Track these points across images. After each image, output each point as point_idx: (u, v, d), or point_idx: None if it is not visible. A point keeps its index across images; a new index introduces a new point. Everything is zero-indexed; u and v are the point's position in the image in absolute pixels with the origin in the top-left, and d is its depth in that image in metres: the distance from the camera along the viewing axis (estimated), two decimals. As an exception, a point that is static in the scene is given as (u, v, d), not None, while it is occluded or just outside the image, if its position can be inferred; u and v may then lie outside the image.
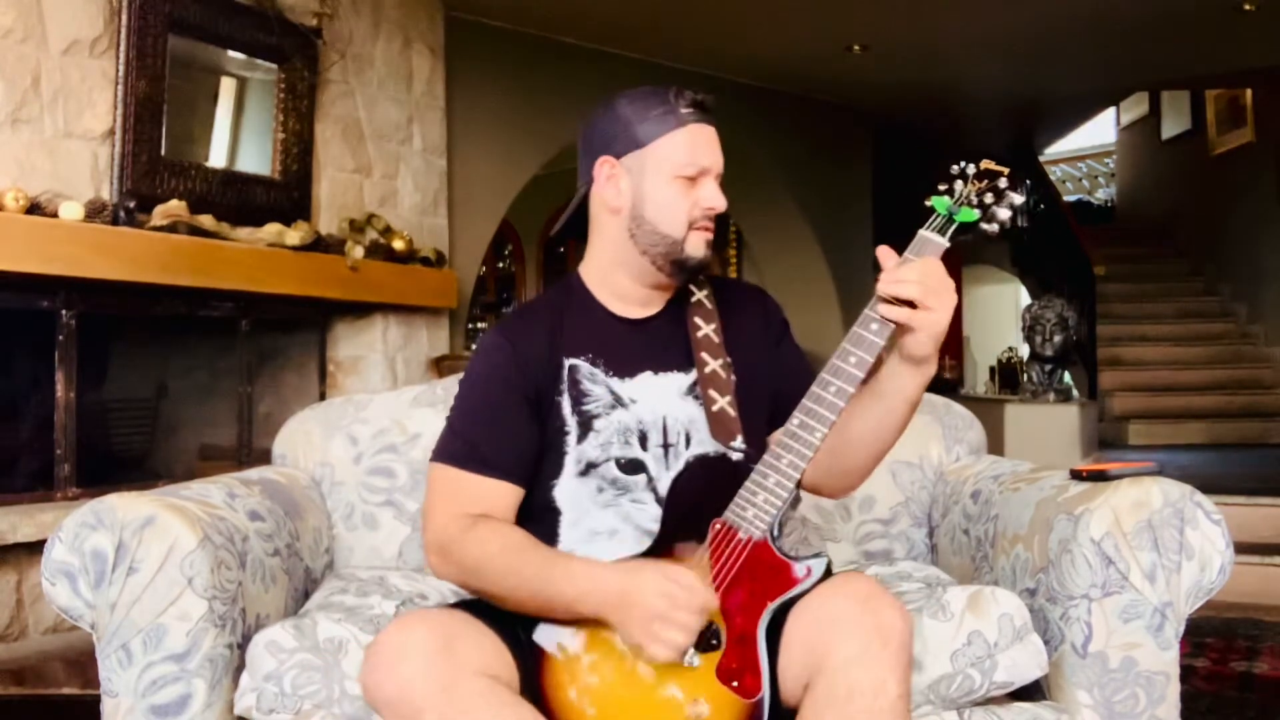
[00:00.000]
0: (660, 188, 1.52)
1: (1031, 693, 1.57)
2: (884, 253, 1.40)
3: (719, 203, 1.53)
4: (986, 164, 1.40)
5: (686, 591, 1.32)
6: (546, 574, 1.40)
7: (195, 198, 3.45)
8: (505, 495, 1.52)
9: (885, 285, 1.35)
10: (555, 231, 1.66)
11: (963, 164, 1.41)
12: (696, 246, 1.53)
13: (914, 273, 1.34)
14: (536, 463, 1.55)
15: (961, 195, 1.39)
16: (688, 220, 1.52)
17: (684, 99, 1.53)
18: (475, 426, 1.54)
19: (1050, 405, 5.54)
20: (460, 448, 1.53)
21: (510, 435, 1.53)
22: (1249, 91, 7.86)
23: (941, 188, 1.40)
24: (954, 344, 9.01)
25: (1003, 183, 1.39)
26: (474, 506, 1.50)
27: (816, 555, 1.40)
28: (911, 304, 1.35)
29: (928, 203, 1.39)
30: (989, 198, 1.39)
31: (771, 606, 1.37)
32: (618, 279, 1.59)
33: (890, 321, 1.36)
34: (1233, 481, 4.80)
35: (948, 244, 1.38)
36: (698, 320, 1.59)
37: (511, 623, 1.43)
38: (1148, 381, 7.42)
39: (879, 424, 1.48)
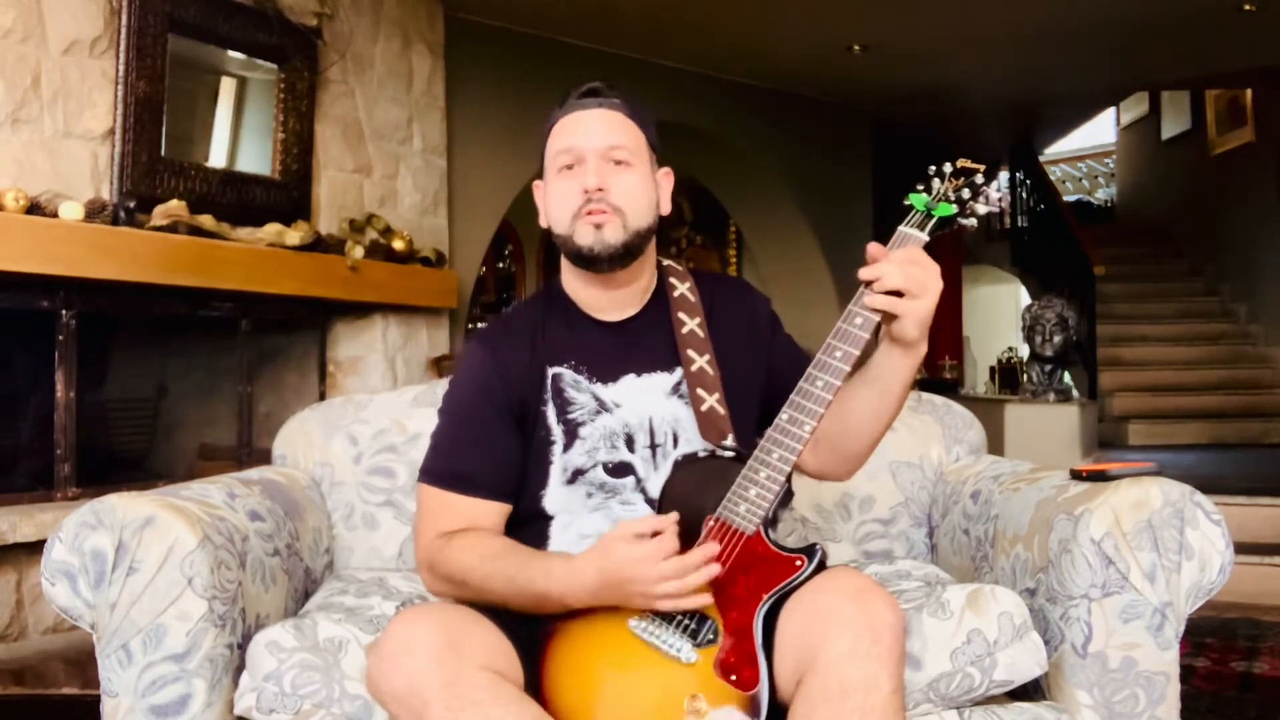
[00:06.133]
0: (551, 189, 1.55)
1: (1031, 693, 1.57)
2: (872, 247, 1.43)
3: (590, 181, 1.50)
4: (963, 162, 1.45)
5: (654, 545, 1.33)
6: (528, 575, 1.41)
7: (195, 198, 3.45)
8: (491, 514, 1.54)
9: (869, 273, 1.38)
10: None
11: (939, 165, 1.46)
12: (583, 235, 1.51)
13: (896, 262, 1.38)
14: (522, 475, 1.56)
15: (939, 192, 1.43)
16: (571, 212, 1.51)
17: (576, 92, 1.55)
18: (459, 445, 1.55)
19: (1050, 405, 5.53)
20: (445, 468, 1.55)
21: (494, 452, 1.54)
22: (1249, 91, 7.85)
23: (919, 186, 1.44)
24: (954, 344, 9.00)
25: (979, 179, 1.43)
26: (459, 526, 1.51)
27: (811, 547, 1.42)
28: (897, 292, 1.38)
29: (906, 201, 1.44)
30: (965, 193, 1.43)
31: (767, 599, 1.38)
32: (579, 287, 1.60)
33: (876, 312, 1.39)
34: (1233, 481, 4.79)
35: (926, 238, 1.43)
36: (681, 316, 1.60)
37: (515, 620, 1.43)
38: (1148, 381, 7.41)
39: (875, 408, 1.51)
